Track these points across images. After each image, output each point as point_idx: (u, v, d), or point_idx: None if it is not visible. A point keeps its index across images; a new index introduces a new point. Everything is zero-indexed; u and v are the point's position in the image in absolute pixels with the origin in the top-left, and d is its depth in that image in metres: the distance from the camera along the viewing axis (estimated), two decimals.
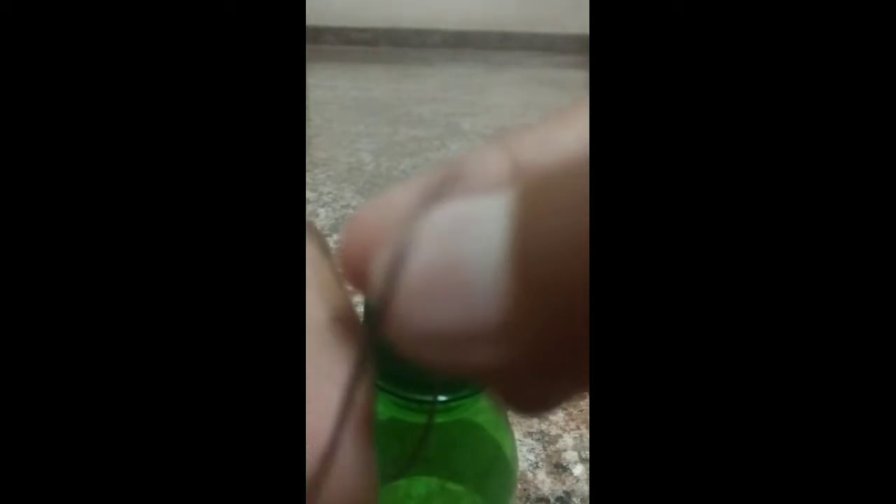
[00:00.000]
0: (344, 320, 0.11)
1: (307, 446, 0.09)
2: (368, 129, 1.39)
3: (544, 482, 0.44)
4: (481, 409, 0.24)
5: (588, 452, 0.47)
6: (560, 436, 0.48)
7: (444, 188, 0.10)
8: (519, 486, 0.44)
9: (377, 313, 0.09)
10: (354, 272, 0.11)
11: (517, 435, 0.48)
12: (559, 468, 0.45)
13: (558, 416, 0.50)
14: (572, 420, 0.50)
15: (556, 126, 0.11)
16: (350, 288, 0.11)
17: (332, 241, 0.81)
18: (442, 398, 0.21)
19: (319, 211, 0.89)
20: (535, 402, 0.11)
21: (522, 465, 0.45)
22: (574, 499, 0.43)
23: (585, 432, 0.49)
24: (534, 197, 0.08)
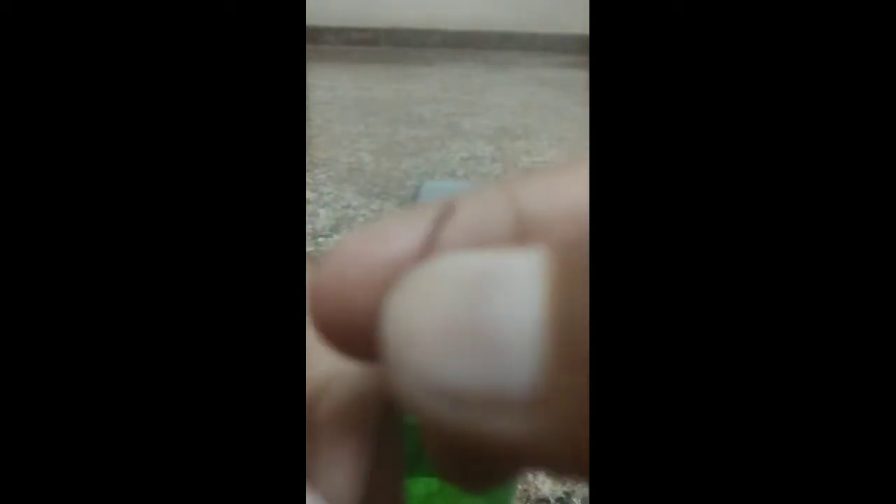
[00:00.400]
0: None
1: None
2: (368, 129, 1.39)
3: (545, 483, 0.44)
4: None
5: None
6: None
7: (440, 227, 0.09)
8: (519, 486, 0.44)
9: (386, 359, 0.08)
10: (338, 330, 0.10)
11: None
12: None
13: None
14: None
15: (561, 176, 0.10)
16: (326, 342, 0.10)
17: (333, 241, 0.81)
18: None
19: (320, 211, 0.89)
20: (488, 481, 0.10)
21: None
22: (574, 499, 0.43)
23: None
24: (566, 261, 0.08)
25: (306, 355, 0.11)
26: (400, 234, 0.10)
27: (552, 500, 0.43)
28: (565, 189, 0.10)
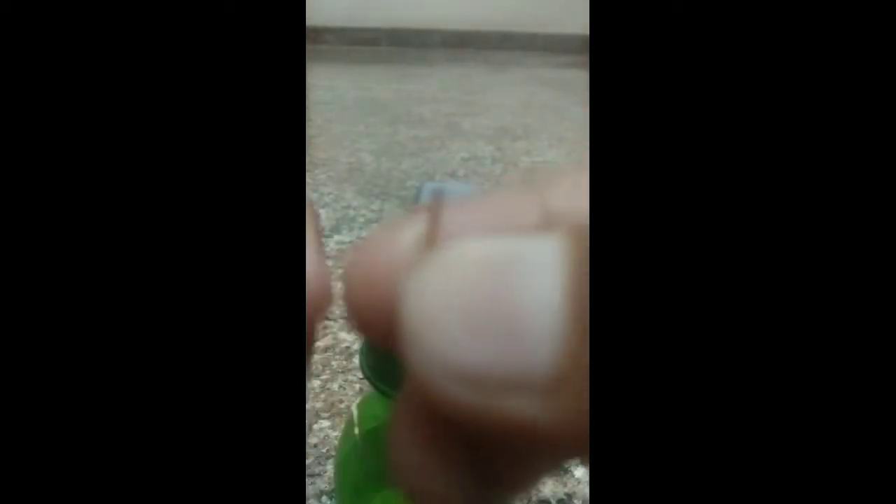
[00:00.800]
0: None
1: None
2: (369, 129, 1.39)
3: (546, 484, 0.44)
4: None
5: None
6: None
7: (436, 217, 0.10)
8: None
9: (402, 339, 0.08)
10: (363, 312, 0.10)
11: None
12: (560, 470, 0.45)
13: None
14: None
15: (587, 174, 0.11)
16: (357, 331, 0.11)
17: (333, 242, 0.81)
18: None
19: (320, 211, 0.89)
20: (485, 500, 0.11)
21: None
22: (575, 501, 0.43)
23: None
24: (586, 245, 0.08)
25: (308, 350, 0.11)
26: (406, 228, 0.10)
27: (553, 502, 0.43)
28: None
